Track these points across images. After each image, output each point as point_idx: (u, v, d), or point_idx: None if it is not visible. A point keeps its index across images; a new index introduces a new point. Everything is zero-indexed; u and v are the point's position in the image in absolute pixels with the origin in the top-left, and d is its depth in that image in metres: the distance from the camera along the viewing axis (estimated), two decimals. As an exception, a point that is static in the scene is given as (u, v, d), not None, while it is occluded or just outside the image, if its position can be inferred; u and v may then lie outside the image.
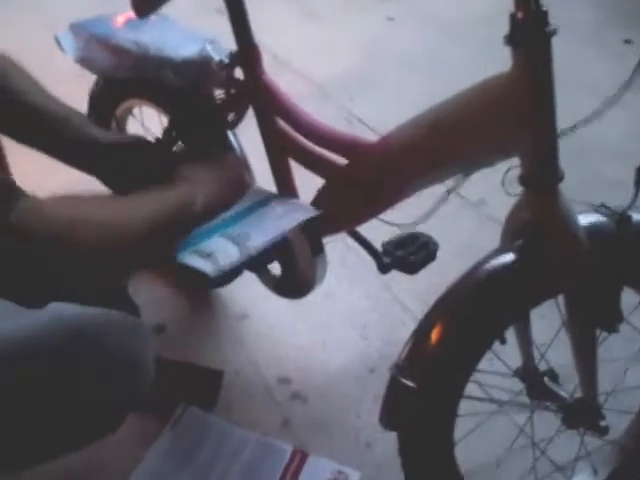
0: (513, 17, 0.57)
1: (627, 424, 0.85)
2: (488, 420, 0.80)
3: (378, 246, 0.90)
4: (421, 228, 0.88)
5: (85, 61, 1.01)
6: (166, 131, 1.02)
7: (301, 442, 1.01)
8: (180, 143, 1.01)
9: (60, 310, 0.64)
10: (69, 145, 0.78)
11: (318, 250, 0.88)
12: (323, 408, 1.08)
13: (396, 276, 1.27)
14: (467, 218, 1.27)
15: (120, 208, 0.63)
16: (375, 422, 0.71)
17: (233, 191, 0.76)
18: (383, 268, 0.88)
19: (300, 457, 1.00)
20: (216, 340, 1.23)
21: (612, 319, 0.64)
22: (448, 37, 2.06)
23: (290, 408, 1.08)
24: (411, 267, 0.84)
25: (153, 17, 0.98)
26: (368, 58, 2.10)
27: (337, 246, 1.33)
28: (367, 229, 0.92)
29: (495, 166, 0.69)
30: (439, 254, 0.76)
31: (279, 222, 0.78)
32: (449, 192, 0.76)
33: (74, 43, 1.02)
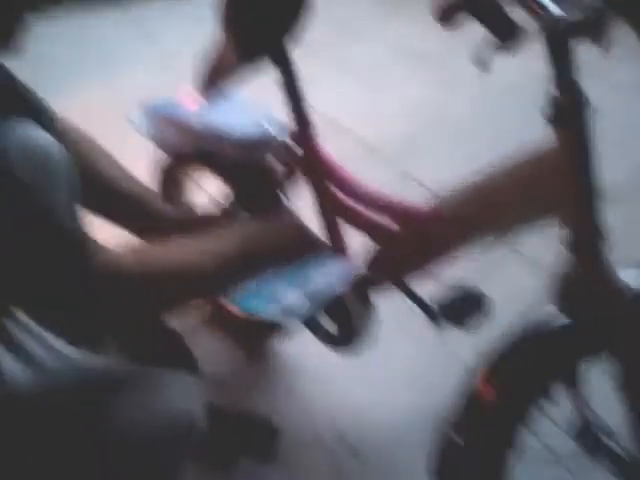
0: (555, 99, 0.64)
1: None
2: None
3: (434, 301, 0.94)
4: (495, 295, 0.92)
5: (156, 139, 1.16)
6: (232, 203, 1.14)
7: None
8: (242, 211, 1.12)
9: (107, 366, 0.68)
10: (143, 220, 0.88)
11: (368, 305, 0.95)
12: (380, 467, 1.11)
13: (452, 332, 1.30)
14: (524, 275, 1.29)
15: (191, 248, 0.68)
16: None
17: (296, 245, 0.79)
18: (436, 324, 0.93)
19: (358, 515, 1.02)
20: (269, 392, 1.28)
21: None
22: (498, 100, 2.15)
23: (348, 465, 1.12)
24: (464, 323, 0.89)
25: (219, 97, 1.13)
26: (424, 124, 2.22)
27: (394, 297, 1.38)
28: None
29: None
30: (498, 313, 0.79)
31: (332, 278, 0.83)
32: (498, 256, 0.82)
33: (146, 122, 1.17)
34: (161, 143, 1.17)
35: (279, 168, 1.06)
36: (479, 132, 2.00)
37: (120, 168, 0.89)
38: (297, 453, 1.15)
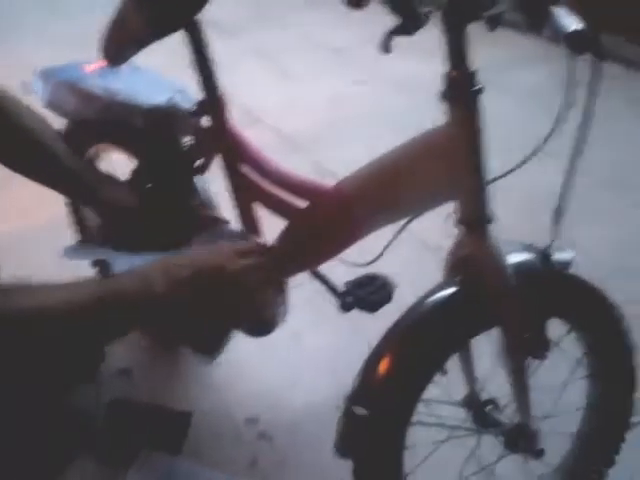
0: (447, 76, 0.69)
1: (567, 447, 0.92)
2: (438, 449, 0.87)
3: (341, 285, 0.98)
4: (386, 269, 0.96)
5: (53, 105, 1.10)
6: (134, 173, 1.10)
7: None
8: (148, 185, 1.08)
9: None
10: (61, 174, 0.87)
11: (279, 289, 0.96)
12: (291, 447, 1.15)
13: (363, 317, 1.36)
14: (427, 261, 1.43)
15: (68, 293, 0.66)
16: (342, 460, 0.78)
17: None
18: (345, 307, 0.96)
19: (267, 497, 1.04)
20: (184, 382, 1.28)
21: (541, 348, 0.73)
22: (411, 96, 2.30)
23: (258, 448, 1.14)
24: (371, 306, 0.93)
25: (125, 66, 1.09)
26: (338, 115, 2.36)
27: (306, 288, 1.41)
28: (332, 269, 1.00)
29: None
30: (403, 295, 0.83)
31: None
32: (399, 232, 0.86)
33: (43, 87, 1.11)
34: (59, 110, 1.11)
35: (189, 142, 1.04)
36: (389, 123, 2.11)
37: (42, 121, 0.87)
38: (210, 441, 1.15)
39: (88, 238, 1.41)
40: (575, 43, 0.59)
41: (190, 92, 1.04)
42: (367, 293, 0.95)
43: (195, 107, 0.98)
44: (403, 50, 0.79)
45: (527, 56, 2.70)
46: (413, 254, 1.54)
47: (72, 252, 0.92)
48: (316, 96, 2.51)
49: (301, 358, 1.31)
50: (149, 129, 1.02)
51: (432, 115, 0.76)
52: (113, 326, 0.71)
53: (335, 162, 1.95)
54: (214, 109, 0.96)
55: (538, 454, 0.81)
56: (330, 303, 1.44)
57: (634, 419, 0.91)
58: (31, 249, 1.59)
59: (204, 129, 1.00)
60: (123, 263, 0.87)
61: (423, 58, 0.78)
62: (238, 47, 2.93)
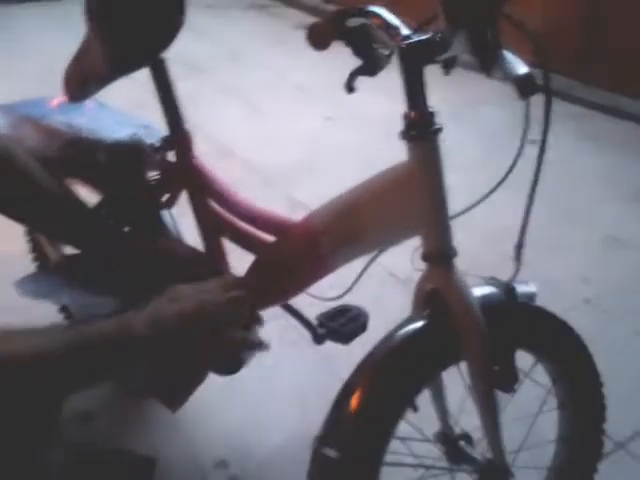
0: (406, 116, 0.71)
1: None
2: None
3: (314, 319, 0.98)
4: (357, 301, 0.96)
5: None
6: (97, 208, 1.08)
7: None
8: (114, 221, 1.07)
9: None
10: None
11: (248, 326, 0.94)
12: None
13: (334, 352, 1.36)
14: (397, 294, 1.45)
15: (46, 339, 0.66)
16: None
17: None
18: (318, 339, 0.96)
19: None
20: (148, 426, 1.23)
21: (509, 380, 0.74)
22: (378, 134, 2.36)
23: None
24: (344, 337, 0.92)
25: (89, 102, 1.08)
26: (307, 151, 2.44)
27: (276, 323, 1.40)
28: (303, 303, 1.00)
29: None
30: (376, 328, 0.83)
31: None
32: (367, 266, 0.88)
33: (2, 122, 1.09)
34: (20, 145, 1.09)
35: (156, 178, 1.04)
36: (356, 161, 2.15)
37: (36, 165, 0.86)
38: (177, 487, 1.10)
39: (46, 269, 1.38)
40: (522, 86, 0.62)
41: (155, 128, 1.04)
42: (340, 324, 0.95)
43: (160, 142, 0.99)
44: (372, 89, 0.82)
45: (488, 95, 2.82)
46: (383, 287, 1.56)
47: (27, 285, 0.89)
48: (287, 131, 2.57)
49: (271, 396, 1.29)
50: (113, 164, 1.01)
51: (400, 151, 0.78)
52: (87, 373, 0.71)
53: (307, 196, 2.00)
54: (179, 144, 0.97)
55: (512, 489, 0.81)
56: (301, 338, 1.43)
57: (605, 449, 0.92)
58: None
59: (170, 164, 1.00)
60: (82, 302, 0.84)
61: (391, 97, 0.81)
62: (210, 84, 2.99)
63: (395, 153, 0.76)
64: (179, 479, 1.14)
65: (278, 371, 1.35)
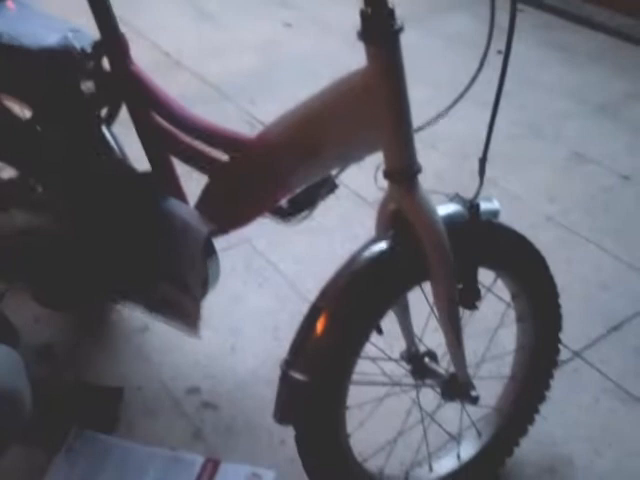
0: (363, 14, 0.65)
1: (501, 389, 0.98)
2: (382, 405, 0.89)
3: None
4: (323, 224, 0.91)
5: None
6: (28, 123, 1.00)
7: (215, 450, 1.07)
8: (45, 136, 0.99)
9: None
10: None
11: (209, 252, 0.92)
12: (235, 413, 1.15)
13: (302, 276, 1.35)
14: (364, 215, 1.42)
15: None
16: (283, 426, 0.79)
17: None
18: (282, 214, 0.89)
19: (212, 466, 1.04)
20: (114, 357, 1.23)
21: (472, 298, 0.75)
22: (342, 42, 2.22)
23: (201, 418, 1.14)
24: (308, 200, 0.86)
25: (9, 3, 0.96)
26: (266, 61, 2.26)
27: (242, 249, 1.38)
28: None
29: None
30: (343, 251, 0.82)
31: None
32: (333, 182, 0.85)
33: None
34: None
35: (91, 90, 0.95)
36: (319, 72, 2.04)
37: None
38: (147, 415, 1.12)
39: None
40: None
41: (86, 32, 0.94)
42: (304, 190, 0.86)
43: (92, 48, 0.90)
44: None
45: (454, 2, 2.69)
46: (350, 209, 1.54)
47: None
48: (241, 40, 2.37)
49: (241, 321, 1.30)
50: (40, 73, 0.91)
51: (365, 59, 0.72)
52: None
53: (265, 110, 1.86)
54: (113, 49, 0.88)
55: (473, 400, 0.85)
56: (267, 263, 1.42)
57: (562, 357, 0.97)
58: None
59: (105, 73, 0.91)
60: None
61: (354, 1, 0.74)
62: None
63: (360, 62, 0.71)
64: (151, 407, 1.17)
65: (247, 297, 1.35)
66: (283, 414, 0.77)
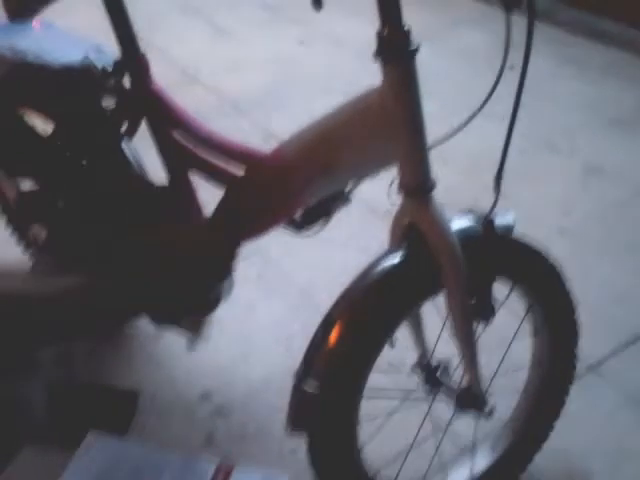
0: (379, 34, 0.67)
1: (515, 404, 0.97)
2: (395, 416, 0.89)
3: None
4: (335, 236, 0.92)
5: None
6: (51, 138, 1.02)
7: (227, 456, 1.08)
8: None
9: None
10: None
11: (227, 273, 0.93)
12: (247, 420, 1.16)
13: (315, 286, 1.36)
14: (377, 228, 1.43)
15: None
16: (295, 435, 0.79)
17: None
18: (297, 226, 0.89)
19: (225, 471, 1.04)
20: (129, 362, 1.25)
21: (486, 312, 0.74)
22: (354, 57, 2.26)
23: (213, 424, 1.15)
24: (322, 211, 0.86)
25: (34, 23, 0.99)
26: (280, 77, 2.29)
27: (255, 259, 1.40)
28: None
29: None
30: (356, 264, 0.82)
31: None
32: (347, 194, 0.85)
33: None
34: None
35: (112, 107, 0.97)
36: (333, 87, 2.07)
37: None
38: (161, 421, 1.13)
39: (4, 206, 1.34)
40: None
41: (108, 50, 0.96)
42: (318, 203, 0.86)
43: (113, 66, 0.92)
44: (347, 11, 0.76)
45: (469, 16, 2.70)
46: (362, 221, 1.55)
47: None
48: (256, 56, 2.42)
49: (253, 330, 1.31)
50: (62, 90, 0.94)
51: (379, 76, 0.73)
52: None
53: (280, 126, 1.91)
54: (134, 68, 0.91)
55: (487, 413, 0.84)
56: (280, 273, 1.43)
57: (576, 372, 0.96)
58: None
59: (125, 90, 0.94)
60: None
61: (367, 19, 0.75)
62: (170, 3, 2.77)
63: (374, 79, 0.72)
64: (164, 411, 1.18)
65: (259, 307, 1.36)
66: (295, 425, 0.77)
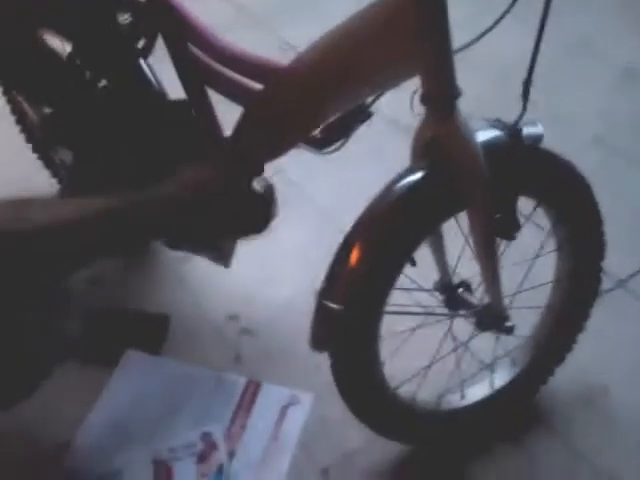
0: None
1: (538, 319, 0.96)
2: (415, 334, 0.92)
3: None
4: (357, 153, 0.88)
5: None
6: (69, 58, 0.99)
7: (254, 374, 1.13)
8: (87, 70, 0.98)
9: None
10: None
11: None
12: (273, 339, 1.20)
13: (338, 209, 1.34)
14: (399, 143, 1.37)
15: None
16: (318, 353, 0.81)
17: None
18: (318, 145, 0.87)
19: (254, 387, 1.10)
20: (159, 285, 1.29)
21: (510, 228, 0.72)
22: None
23: (240, 343, 1.20)
24: (343, 127, 0.83)
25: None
26: None
27: (276, 180, 1.37)
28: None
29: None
30: (377, 183, 0.79)
31: None
32: (368, 109, 0.81)
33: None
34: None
35: (128, 22, 0.93)
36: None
37: None
38: (192, 341, 1.18)
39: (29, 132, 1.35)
40: None
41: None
42: (339, 118, 0.83)
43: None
44: None
45: None
46: (383, 137, 1.49)
47: None
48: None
49: (275, 253, 1.32)
50: (79, 7, 0.90)
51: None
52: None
53: (299, 36, 1.80)
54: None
55: (508, 330, 0.84)
56: (300, 194, 1.41)
57: (604, 287, 0.94)
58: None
59: (142, 4, 0.89)
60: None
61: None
62: None
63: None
64: (193, 332, 1.22)
65: (282, 229, 1.35)
66: (318, 341, 0.79)
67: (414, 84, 0.71)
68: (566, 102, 1.60)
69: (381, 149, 1.46)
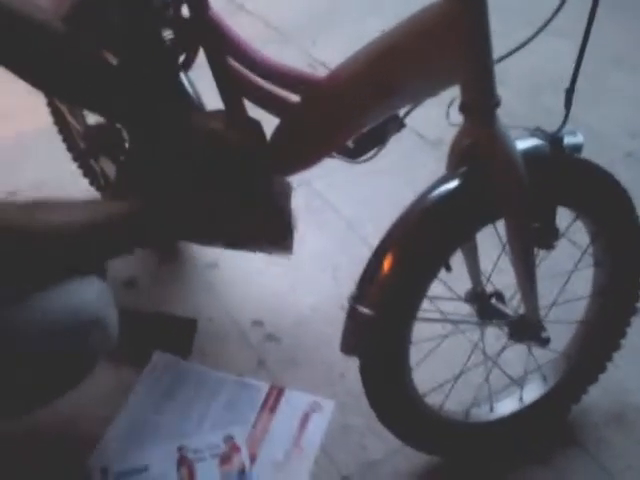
0: None
1: (571, 335, 0.94)
2: (443, 343, 0.90)
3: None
4: (382, 166, 0.89)
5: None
6: (116, 71, 1.01)
7: (277, 379, 1.13)
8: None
9: None
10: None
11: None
12: (297, 346, 1.20)
13: (361, 218, 1.34)
14: (427, 156, 1.38)
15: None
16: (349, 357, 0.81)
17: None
18: (351, 154, 0.87)
19: (277, 392, 1.10)
20: (188, 290, 1.30)
21: (549, 237, 0.70)
22: None
23: (265, 349, 1.20)
24: (377, 137, 0.84)
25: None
26: (328, 3, 2.19)
27: (302, 191, 1.38)
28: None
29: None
30: (402, 195, 0.80)
31: None
32: (402, 118, 0.82)
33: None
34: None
35: (170, 37, 0.96)
36: (382, 6, 1.95)
37: None
38: (216, 344, 1.18)
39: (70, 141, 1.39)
40: None
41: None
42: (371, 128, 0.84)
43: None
44: None
45: None
46: (412, 149, 1.49)
47: None
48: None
49: (301, 262, 1.32)
50: (126, 22, 0.94)
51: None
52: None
53: (328, 53, 1.84)
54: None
55: (544, 342, 0.82)
56: (325, 204, 1.41)
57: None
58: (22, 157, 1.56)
59: (184, 20, 0.92)
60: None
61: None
62: None
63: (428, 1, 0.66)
64: (219, 337, 1.23)
65: (307, 237, 1.36)
66: (349, 346, 0.79)
67: (440, 99, 0.71)
68: (598, 117, 1.58)
69: (405, 161, 1.47)
